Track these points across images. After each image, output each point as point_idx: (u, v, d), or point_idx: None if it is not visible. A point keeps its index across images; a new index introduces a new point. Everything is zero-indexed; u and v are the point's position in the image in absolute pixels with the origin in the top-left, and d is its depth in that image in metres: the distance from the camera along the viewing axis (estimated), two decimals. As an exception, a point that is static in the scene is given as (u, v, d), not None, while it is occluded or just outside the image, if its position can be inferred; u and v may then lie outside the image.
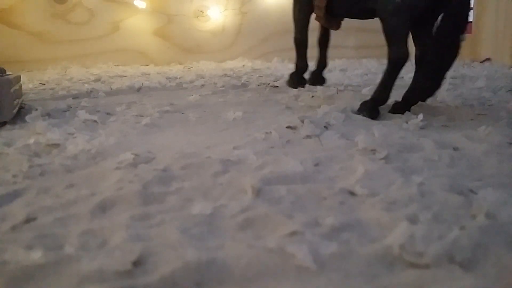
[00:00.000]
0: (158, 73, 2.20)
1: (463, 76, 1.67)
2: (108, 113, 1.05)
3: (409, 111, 0.94)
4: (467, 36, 2.52)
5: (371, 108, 0.93)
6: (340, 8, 1.19)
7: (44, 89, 1.61)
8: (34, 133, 0.80)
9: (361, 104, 0.95)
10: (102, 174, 0.56)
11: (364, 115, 0.91)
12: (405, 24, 0.93)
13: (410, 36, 0.99)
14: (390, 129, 0.74)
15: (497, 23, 2.18)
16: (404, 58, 0.92)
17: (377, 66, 2.31)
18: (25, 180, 0.55)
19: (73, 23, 2.88)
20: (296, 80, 1.44)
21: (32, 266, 0.33)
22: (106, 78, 2.01)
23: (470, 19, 2.46)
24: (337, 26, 1.31)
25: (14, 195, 0.49)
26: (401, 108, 0.95)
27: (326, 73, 1.52)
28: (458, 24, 0.88)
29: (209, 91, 1.46)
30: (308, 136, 0.73)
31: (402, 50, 0.92)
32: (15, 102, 0.99)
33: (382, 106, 1.02)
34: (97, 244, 0.37)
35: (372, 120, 0.86)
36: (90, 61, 2.82)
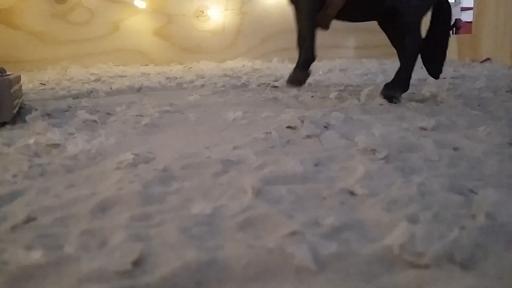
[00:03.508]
0: (158, 73, 2.20)
1: (463, 76, 1.67)
2: (108, 113, 1.05)
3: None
4: (467, 36, 2.52)
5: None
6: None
7: (44, 89, 1.61)
8: (34, 133, 0.79)
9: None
10: (102, 174, 0.56)
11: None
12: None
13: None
14: (390, 129, 0.74)
15: (497, 23, 2.18)
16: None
17: (377, 66, 2.31)
18: (25, 180, 0.55)
19: (73, 23, 2.88)
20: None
21: (32, 266, 0.33)
22: (106, 78, 2.01)
23: (470, 19, 2.46)
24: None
25: (14, 195, 0.49)
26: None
27: (326, 73, 1.52)
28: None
29: (209, 91, 1.46)
30: (308, 136, 0.73)
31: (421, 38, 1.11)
32: (15, 102, 0.99)
33: (380, 104, 1.02)
34: (97, 244, 0.37)
35: (372, 120, 0.86)
36: (90, 61, 2.83)
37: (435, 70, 1.19)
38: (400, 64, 1.15)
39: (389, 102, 1.06)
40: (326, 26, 1.17)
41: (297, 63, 1.16)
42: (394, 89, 1.11)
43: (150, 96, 1.40)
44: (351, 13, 1.15)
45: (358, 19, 1.21)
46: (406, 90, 1.13)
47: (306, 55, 1.13)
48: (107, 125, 0.92)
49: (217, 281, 0.31)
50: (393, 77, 1.14)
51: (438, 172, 0.53)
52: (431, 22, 1.17)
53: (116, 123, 0.94)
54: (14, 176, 0.56)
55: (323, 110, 0.95)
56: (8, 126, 0.90)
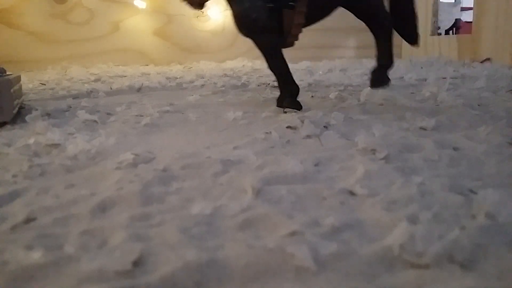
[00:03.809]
0: (158, 73, 2.20)
1: (463, 76, 1.67)
2: (108, 113, 1.05)
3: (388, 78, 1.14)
4: (467, 36, 2.52)
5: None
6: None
7: (44, 89, 1.61)
8: (34, 133, 0.80)
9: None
10: (102, 174, 0.56)
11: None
12: None
13: None
14: (390, 129, 0.74)
15: (497, 23, 2.18)
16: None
17: (377, 66, 2.30)
18: (25, 180, 0.55)
19: (73, 23, 2.88)
20: None
21: (32, 266, 0.33)
22: (106, 78, 2.01)
23: (470, 19, 2.46)
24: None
25: (14, 195, 0.49)
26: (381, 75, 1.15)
27: (326, 73, 1.51)
28: None
29: (209, 91, 1.46)
30: (308, 136, 0.73)
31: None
32: (15, 102, 0.99)
33: (380, 104, 1.03)
34: (97, 244, 0.37)
35: (372, 120, 0.86)
36: (90, 61, 2.83)
37: (411, 35, 1.19)
38: (379, 44, 1.15)
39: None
40: (291, 45, 1.12)
41: (286, 95, 1.04)
42: (384, 77, 1.14)
43: (150, 96, 1.40)
44: (313, 17, 1.10)
45: (319, 19, 1.16)
46: (392, 65, 1.17)
47: (292, 90, 1.04)
48: (107, 125, 0.92)
49: (217, 281, 0.31)
50: (377, 60, 1.17)
51: (438, 172, 0.53)
52: None
53: (116, 123, 0.94)
54: (14, 176, 0.56)
55: (323, 110, 0.95)
56: (8, 126, 0.90)
